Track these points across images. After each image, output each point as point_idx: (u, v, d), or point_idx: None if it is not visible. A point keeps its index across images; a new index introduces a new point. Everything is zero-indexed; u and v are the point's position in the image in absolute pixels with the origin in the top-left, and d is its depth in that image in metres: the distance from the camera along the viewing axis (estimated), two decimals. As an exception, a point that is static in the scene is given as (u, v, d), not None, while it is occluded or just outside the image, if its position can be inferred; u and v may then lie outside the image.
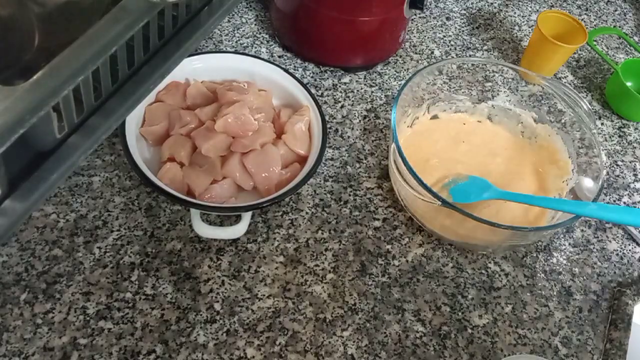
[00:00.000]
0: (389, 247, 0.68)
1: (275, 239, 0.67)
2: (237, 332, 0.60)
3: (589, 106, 0.73)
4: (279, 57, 0.85)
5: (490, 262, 0.69)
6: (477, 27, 0.97)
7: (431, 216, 0.67)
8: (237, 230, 0.63)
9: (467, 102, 0.79)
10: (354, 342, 0.61)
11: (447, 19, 0.97)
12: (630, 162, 0.83)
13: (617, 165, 0.83)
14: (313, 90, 0.79)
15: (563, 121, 0.74)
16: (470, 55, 0.92)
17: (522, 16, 1.01)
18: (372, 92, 0.84)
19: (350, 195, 0.72)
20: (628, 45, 0.99)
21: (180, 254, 0.64)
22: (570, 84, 0.91)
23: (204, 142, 0.67)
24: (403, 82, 0.85)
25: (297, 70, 0.84)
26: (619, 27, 1.03)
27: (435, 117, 0.78)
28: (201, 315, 0.60)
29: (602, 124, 0.87)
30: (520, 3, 1.03)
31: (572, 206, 0.62)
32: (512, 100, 0.78)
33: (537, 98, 0.77)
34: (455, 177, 0.71)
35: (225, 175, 0.66)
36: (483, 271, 0.68)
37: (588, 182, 0.69)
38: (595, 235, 0.74)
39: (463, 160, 0.74)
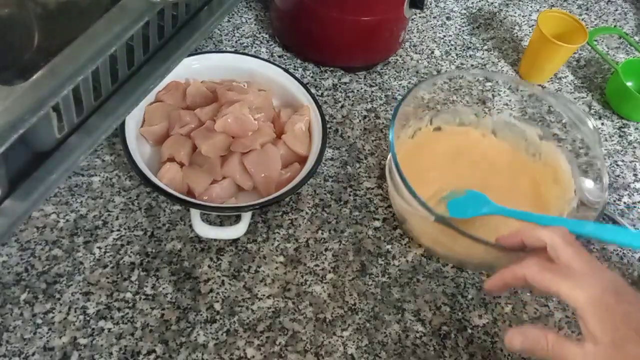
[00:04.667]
0: (389, 247, 0.68)
1: (275, 239, 0.67)
2: (237, 332, 0.60)
3: (594, 124, 0.70)
4: (279, 57, 0.85)
5: (490, 262, 0.69)
6: (477, 27, 0.97)
7: (425, 231, 0.65)
8: (237, 230, 0.63)
9: (472, 116, 0.76)
10: (354, 342, 0.61)
11: (447, 18, 0.97)
12: (630, 162, 0.83)
13: (617, 165, 0.83)
14: (313, 90, 0.79)
15: (568, 140, 0.71)
16: (470, 56, 0.91)
17: (523, 16, 1.01)
18: (372, 92, 0.84)
19: (350, 195, 0.72)
20: (628, 45, 0.99)
21: (180, 254, 0.64)
22: (570, 84, 0.91)
23: (204, 142, 0.67)
24: (403, 82, 0.85)
25: (297, 70, 0.84)
26: (620, 26, 1.03)
27: (438, 128, 0.76)
28: (201, 315, 0.60)
29: (602, 124, 0.87)
30: (520, 3, 1.03)
31: (570, 225, 0.59)
32: (517, 115, 0.75)
33: (542, 115, 0.74)
34: (453, 190, 0.68)
35: (225, 175, 0.66)
36: (483, 271, 0.68)
37: (590, 184, 0.67)
38: (596, 235, 0.74)
39: (463, 174, 0.72)
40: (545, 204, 0.71)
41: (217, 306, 0.61)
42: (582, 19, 1.02)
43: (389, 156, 0.63)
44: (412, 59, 0.89)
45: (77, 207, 0.65)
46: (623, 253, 0.73)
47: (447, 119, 0.75)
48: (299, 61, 0.85)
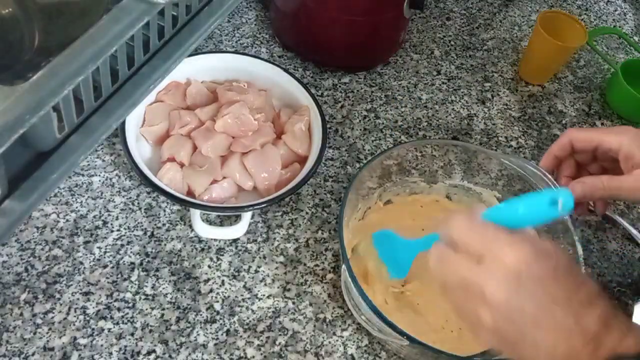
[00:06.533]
0: (389, 247, 0.68)
1: (275, 239, 0.67)
2: (237, 332, 0.60)
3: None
4: (279, 57, 0.85)
5: (490, 262, 0.69)
6: (477, 27, 0.97)
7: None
8: (237, 230, 0.63)
9: (422, 183, 0.70)
10: (354, 342, 0.61)
11: (447, 19, 0.97)
12: (630, 162, 0.83)
13: (617, 165, 0.83)
14: (313, 90, 0.79)
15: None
16: (470, 56, 0.91)
17: (522, 16, 1.01)
18: (372, 92, 0.84)
19: (350, 195, 0.72)
20: (628, 45, 0.99)
21: (180, 254, 0.64)
22: (570, 84, 0.91)
23: (204, 142, 0.67)
24: (403, 82, 0.85)
25: (297, 70, 0.84)
26: (619, 27, 1.03)
27: (388, 202, 0.69)
28: (201, 315, 0.60)
29: (602, 124, 0.87)
30: (520, 3, 1.03)
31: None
32: (470, 180, 0.69)
33: (498, 177, 0.68)
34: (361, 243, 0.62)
35: (225, 175, 0.67)
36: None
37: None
38: (595, 235, 0.74)
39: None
40: None
41: (217, 306, 0.61)
42: (582, 19, 1.02)
43: (343, 268, 0.56)
44: (412, 59, 0.89)
45: (77, 207, 0.65)
46: (623, 253, 0.73)
47: (397, 191, 0.69)
48: (299, 61, 0.85)
